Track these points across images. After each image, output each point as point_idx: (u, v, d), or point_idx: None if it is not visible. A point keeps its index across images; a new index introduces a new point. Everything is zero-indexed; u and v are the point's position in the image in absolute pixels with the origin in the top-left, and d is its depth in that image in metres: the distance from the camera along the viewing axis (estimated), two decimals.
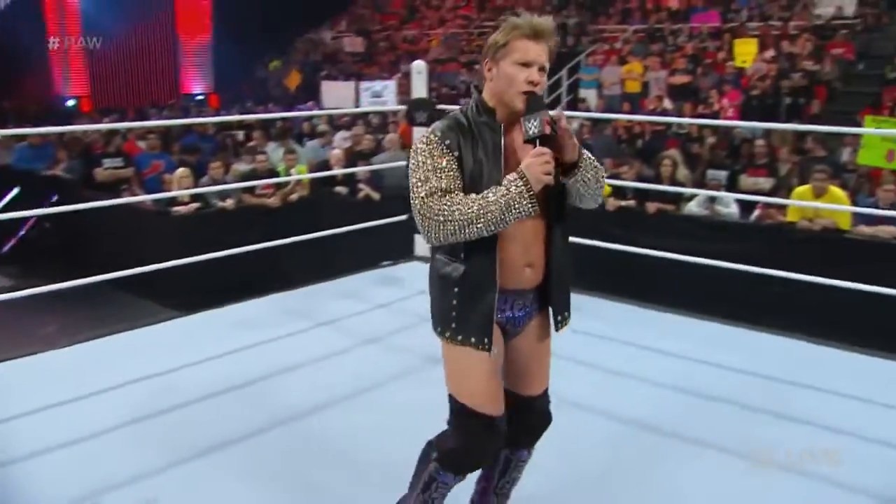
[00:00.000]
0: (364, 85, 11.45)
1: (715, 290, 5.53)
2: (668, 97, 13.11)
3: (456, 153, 2.32)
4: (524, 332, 2.53)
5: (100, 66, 20.71)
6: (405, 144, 8.98)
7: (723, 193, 6.96)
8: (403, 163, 6.54)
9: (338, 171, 7.93)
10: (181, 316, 5.42)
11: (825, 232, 6.08)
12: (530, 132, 2.24)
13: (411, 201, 2.32)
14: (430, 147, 2.33)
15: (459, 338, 2.39)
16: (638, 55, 14.83)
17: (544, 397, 2.64)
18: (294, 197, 7.48)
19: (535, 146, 2.25)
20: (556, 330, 2.54)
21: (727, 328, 5.24)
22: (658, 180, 7.22)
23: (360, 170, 7.93)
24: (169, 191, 7.30)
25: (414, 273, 6.17)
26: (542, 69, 2.34)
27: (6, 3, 19.35)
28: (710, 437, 3.69)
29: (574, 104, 14.52)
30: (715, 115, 12.25)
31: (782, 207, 6.52)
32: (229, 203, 7.26)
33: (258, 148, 9.16)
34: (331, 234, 6.08)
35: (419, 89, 6.19)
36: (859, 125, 7.91)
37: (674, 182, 7.17)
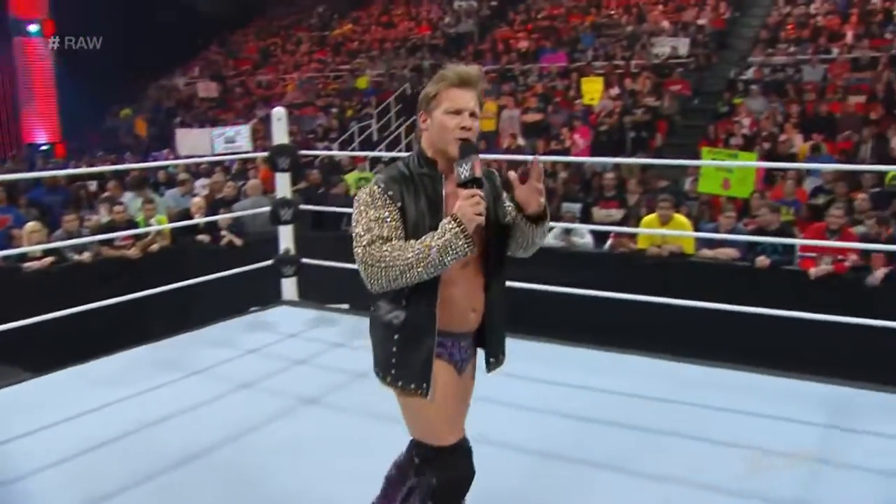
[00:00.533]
0: (216, 131, 11.29)
1: (578, 318, 5.76)
2: (521, 135, 13.62)
3: (399, 204, 2.38)
4: (465, 371, 2.61)
5: None
6: (267, 190, 8.97)
7: (577, 225, 7.33)
8: (267, 209, 6.53)
9: (200, 220, 7.83)
10: (38, 376, 5.17)
11: (672, 256, 6.50)
12: (462, 176, 2.32)
13: (354, 249, 2.37)
14: (374, 198, 2.38)
15: (400, 384, 2.46)
16: (491, 95, 15.34)
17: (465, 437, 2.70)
18: (155, 247, 7.33)
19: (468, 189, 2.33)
20: (488, 371, 2.65)
21: (597, 353, 5.35)
22: None
23: (223, 217, 7.86)
24: (18, 246, 7.00)
25: (283, 317, 6.15)
26: (472, 115, 2.42)
27: None
28: (615, 461, 3.74)
29: None
30: (566, 151, 12.81)
31: (633, 236, 6.93)
32: (86, 256, 7.04)
33: (115, 198, 8.91)
34: (195, 283, 5.99)
35: (280, 135, 6.22)
36: (698, 156, 8.49)
37: None
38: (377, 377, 2.53)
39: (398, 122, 16.23)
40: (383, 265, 2.29)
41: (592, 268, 6.63)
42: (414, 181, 2.43)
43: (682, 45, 15.68)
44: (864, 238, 6.80)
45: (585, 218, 8.13)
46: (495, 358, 2.64)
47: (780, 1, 17.29)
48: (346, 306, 6.49)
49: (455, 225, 2.27)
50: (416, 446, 2.55)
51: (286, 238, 6.34)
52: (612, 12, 18.71)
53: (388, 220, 2.36)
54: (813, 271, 6.29)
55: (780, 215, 8.07)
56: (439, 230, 2.29)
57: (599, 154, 12.24)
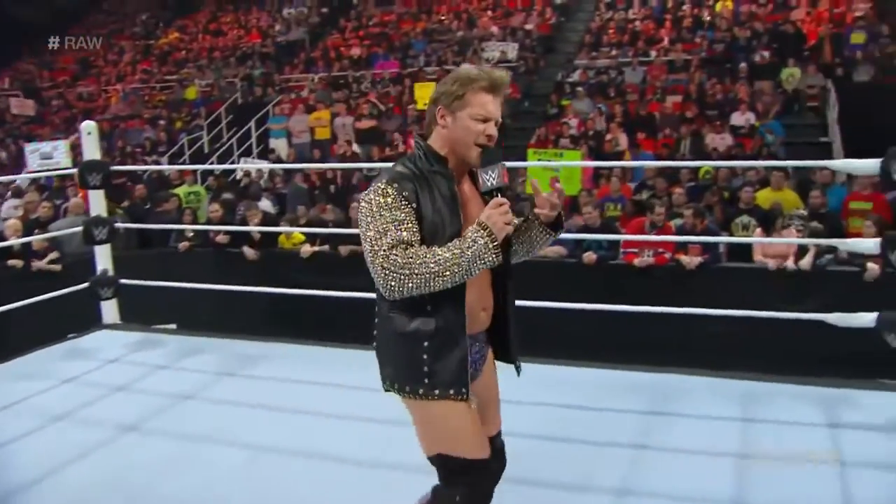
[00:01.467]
0: (30, 147, 10.63)
1: None
2: (356, 142, 13.57)
3: (414, 205, 2.24)
4: (481, 372, 2.51)
5: None
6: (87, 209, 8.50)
7: None
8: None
9: (14, 242, 7.30)
10: None
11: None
12: (488, 184, 2.26)
13: (368, 255, 2.23)
14: (388, 198, 2.23)
15: (436, 392, 2.30)
16: (324, 102, 15.22)
17: (499, 437, 2.61)
18: None
19: (493, 197, 2.26)
20: (518, 374, 2.56)
21: None
22: (350, 224, 7.46)
23: (36, 238, 7.37)
24: None
25: (103, 342, 5.80)
26: (496, 122, 2.34)
27: None
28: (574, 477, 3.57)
29: (265, 155, 14.55)
30: (402, 156, 12.82)
31: None
32: None
33: None
34: (7, 311, 5.56)
35: (90, 151, 5.88)
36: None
37: None
38: (396, 392, 2.38)
39: (230, 133, 15.78)
40: (407, 272, 2.16)
41: None
42: (427, 180, 2.30)
43: (511, 50, 16.08)
44: (680, 230, 7.18)
45: None
46: (519, 361, 2.58)
47: (602, 6, 18.10)
48: (173, 326, 6.23)
49: (486, 234, 2.17)
50: (441, 461, 2.38)
51: (103, 258, 6.00)
52: (443, 18, 18.99)
53: (406, 222, 2.22)
54: (637, 262, 6.59)
55: (605, 212, 8.42)
56: (468, 238, 2.19)
57: None
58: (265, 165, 12.37)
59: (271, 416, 4.33)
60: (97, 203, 5.99)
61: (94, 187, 5.83)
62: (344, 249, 7.04)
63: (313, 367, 5.02)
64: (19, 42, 23.04)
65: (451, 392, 2.31)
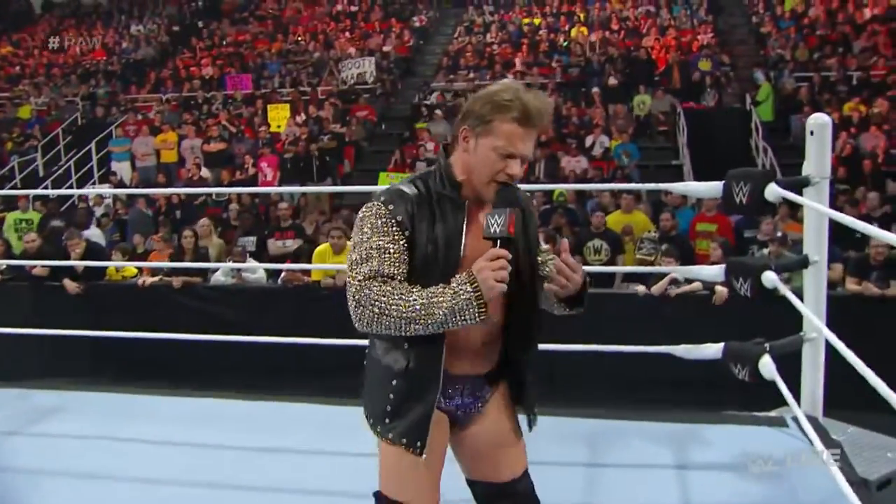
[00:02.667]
0: None
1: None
2: (204, 165, 12.90)
3: (407, 232, 1.99)
4: (482, 414, 2.21)
5: None
6: None
7: (247, 265, 6.72)
8: None
9: None
10: None
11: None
12: (491, 230, 1.91)
13: (347, 279, 2.01)
14: (380, 220, 1.99)
15: (390, 436, 2.08)
16: (171, 123, 14.43)
17: (525, 480, 2.28)
18: None
19: (495, 245, 1.92)
20: (530, 429, 2.26)
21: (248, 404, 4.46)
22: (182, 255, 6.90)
23: None
24: None
25: None
26: (523, 160, 2.01)
27: None
28: None
29: (106, 179, 13.63)
30: (252, 180, 12.32)
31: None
32: None
33: None
34: None
35: None
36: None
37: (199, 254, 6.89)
38: (367, 424, 2.15)
39: (68, 156, 14.71)
40: (377, 310, 1.93)
41: (265, 306, 6.19)
42: (430, 204, 2.03)
43: (368, 64, 15.66)
44: None
45: (259, 251, 7.67)
46: (533, 415, 2.28)
47: (461, 30, 18.09)
48: None
49: (471, 289, 1.90)
50: (380, 499, 2.16)
51: None
52: (300, 38, 18.50)
53: (393, 251, 1.97)
54: None
55: None
56: (451, 288, 1.92)
57: (288, 182, 11.93)
58: (108, 191, 11.59)
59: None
60: None
61: None
62: (177, 281, 6.46)
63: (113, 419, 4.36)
64: None
65: (404, 442, 2.07)
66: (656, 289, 6.35)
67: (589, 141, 12.18)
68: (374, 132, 14.36)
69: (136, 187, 12.75)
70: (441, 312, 1.92)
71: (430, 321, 1.93)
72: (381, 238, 1.99)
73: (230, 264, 6.52)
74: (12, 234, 9.95)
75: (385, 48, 17.23)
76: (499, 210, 1.95)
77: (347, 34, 18.42)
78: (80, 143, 14.78)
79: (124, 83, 17.58)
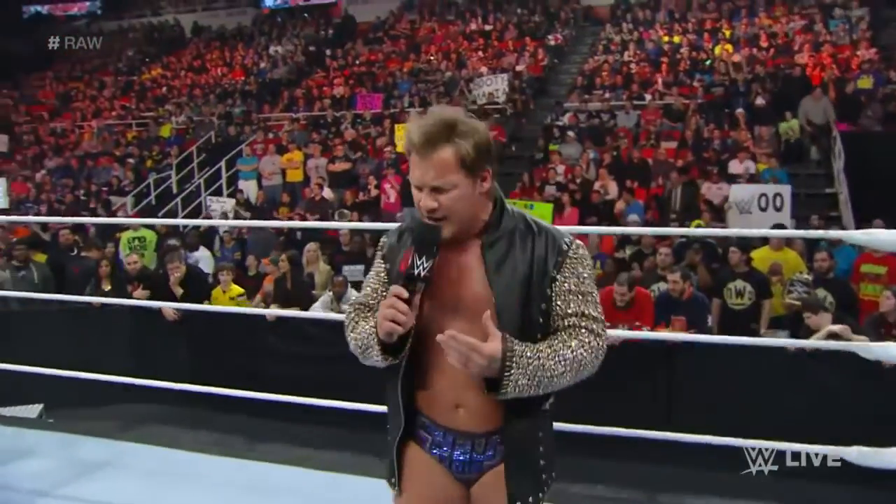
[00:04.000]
0: None
1: None
2: (328, 185, 12.68)
3: (388, 265, 2.01)
4: (481, 483, 2.00)
5: None
6: None
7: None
8: None
9: None
10: None
11: None
12: (414, 271, 1.81)
13: None
14: (378, 252, 2.07)
15: (385, 469, 2.07)
16: (298, 143, 14.35)
17: None
18: None
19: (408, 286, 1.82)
20: None
21: None
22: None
23: None
24: None
25: None
26: (435, 189, 1.83)
27: None
28: None
29: (233, 196, 13.67)
30: (375, 200, 12.00)
31: None
32: None
33: None
34: None
35: None
36: None
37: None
38: None
39: (201, 174, 14.89)
40: (350, 337, 1.99)
41: None
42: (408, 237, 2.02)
43: (501, 81, 15.04)
44: (662, 298, 6.17)
45: None
46: (521, 500, 1.94)
47: (598, 48, 17.30)
48: (36, 409, 5.21)
49: (371, 327, 1.90)
50: None
51: None
52: (432, 58, 18.19)
53: (373, 282, 2.03)
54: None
55: None
56: (371, 326, 1.91)
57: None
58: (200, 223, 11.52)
59: None
60: None
61: None
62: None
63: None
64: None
65: (387, 474, 2.06)
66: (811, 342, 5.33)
67: (733, 167, 11.13)
68: (504, 153, 13.77)
69: (262, 206, 12.69)
70: (361, 346, 1.93)
71: (359, 354, 1.95)
72: (374, 268, 2.05)
73: (328, 294, 6.05)
74: (127, 253, 9.93)
75: (518, 67, 16.64)
76: (422, 252, 1.84)
77: (480, 53, 17.97)
78: (213, 161, 14.96)
79: (259, 102, 17.78)
